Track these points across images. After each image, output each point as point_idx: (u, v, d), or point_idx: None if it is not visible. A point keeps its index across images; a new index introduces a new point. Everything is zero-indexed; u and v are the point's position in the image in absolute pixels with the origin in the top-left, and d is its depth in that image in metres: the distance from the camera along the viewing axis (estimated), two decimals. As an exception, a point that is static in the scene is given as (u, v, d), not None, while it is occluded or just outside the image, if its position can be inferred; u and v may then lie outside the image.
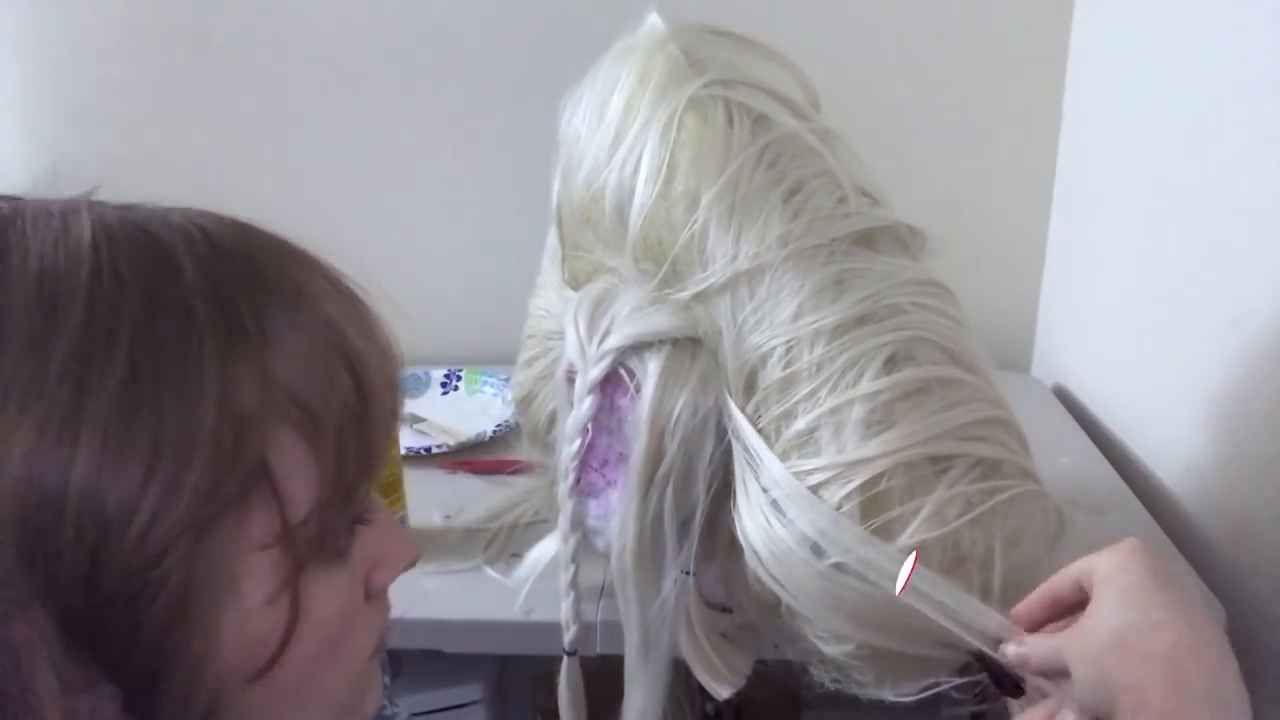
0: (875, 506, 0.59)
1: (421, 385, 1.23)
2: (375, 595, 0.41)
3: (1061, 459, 1.03)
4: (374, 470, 0.39)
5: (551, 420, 0.83)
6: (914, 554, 0.55)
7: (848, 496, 0.59)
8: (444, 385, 1.23)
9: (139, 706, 0.33)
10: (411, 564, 0.42)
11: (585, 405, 0.67)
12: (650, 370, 0.65)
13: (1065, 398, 1.20)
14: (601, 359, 0.66)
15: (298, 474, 0.35)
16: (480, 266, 1.30)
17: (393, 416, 0.39)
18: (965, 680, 0.60)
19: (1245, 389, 0.84)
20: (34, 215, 0.34)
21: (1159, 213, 0.99)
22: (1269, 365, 0.81)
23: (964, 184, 1.24)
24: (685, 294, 0.65)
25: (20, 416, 0.30)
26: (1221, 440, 0.88)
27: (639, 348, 0.65)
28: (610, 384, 0.67)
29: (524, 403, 0.88)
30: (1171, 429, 0.96)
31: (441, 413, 1.16)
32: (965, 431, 0.60)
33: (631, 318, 0.66)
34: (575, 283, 0.77)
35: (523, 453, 0.99)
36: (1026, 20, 1.18)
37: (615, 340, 0.66)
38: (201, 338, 0.33)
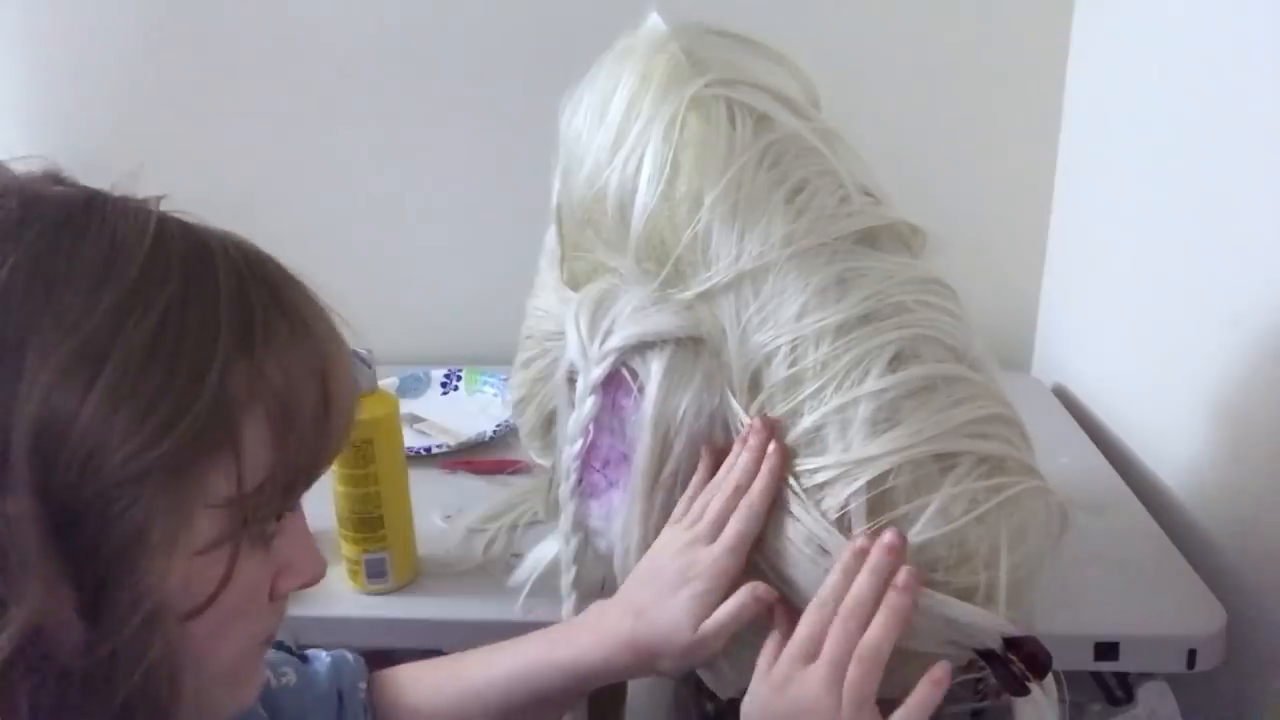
0: (882, 504, 0.59)
1: (421, 385, 1.22)
2: (278, 597, 0.47)
3: (1061, 459, 1.03)
4: (314, 473, 0.46)
5: (549, 420, 0.83)
6: None
7: (854, 494, 0.59)
8: (444, 385, 1.23)
9: (88, 613, 0.39)
10: (316, 580, 0.48)
11: (587, 405, 0.67)
12: (653, 370, 0.64)
13: (1065, 398, 1.20)
14: (604, 359, 0.66)
15: (258, 452, 0.42)
16: (480, 266, 1.30)
17: (340, 441, 0.47)
18: (966, 678, 0.61)
19: (1245, 389, 0.84)
20: (115, 200, 0.43)
21: (1159, 213, 0.99)
22: (1269, 365, 0.81)
23: (964, 184, 1.24)
24: (688, 294, 0.65)
25: (54, 349, 0.37)
26: (1221, 440, 0.88)
27: (641, 347, 0.65)
28: (613, 384, 0.67)
29: (521, 403, 0.87)
30: (1171, 429, 0.96)
31: (441, 413, 1.16)
32: (970, 428, 0.60)
33: (633, 317, 0.66)
34: (575, 283, 0.77)
35: (522, 453, 0.99)
36: (1026, 21, 1.18)
37: (617, 340, 0.66)
38: (219, 328, 0.41)
